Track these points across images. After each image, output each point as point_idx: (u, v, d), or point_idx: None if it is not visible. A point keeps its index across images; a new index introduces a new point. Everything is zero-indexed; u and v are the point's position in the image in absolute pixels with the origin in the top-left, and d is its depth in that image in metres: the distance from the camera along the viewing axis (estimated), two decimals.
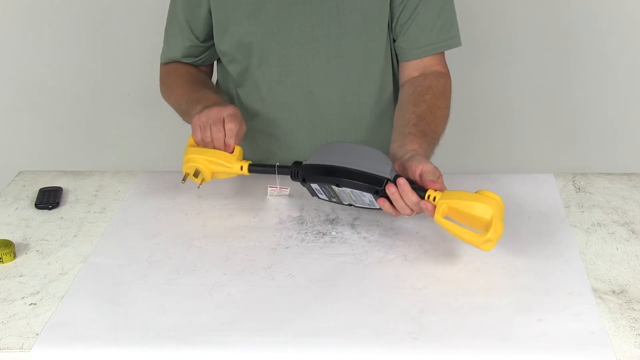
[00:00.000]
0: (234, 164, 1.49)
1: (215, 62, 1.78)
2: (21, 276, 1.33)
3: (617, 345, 1.13)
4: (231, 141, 1.49)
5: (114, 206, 1.55)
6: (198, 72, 1.73)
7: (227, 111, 1.50)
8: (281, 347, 1.15)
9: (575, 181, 1.60)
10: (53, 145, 2.69)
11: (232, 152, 1.49)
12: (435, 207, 1.32)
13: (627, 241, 1.39)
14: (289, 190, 1.53)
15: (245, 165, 1.49)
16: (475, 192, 1.32)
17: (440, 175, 1.36)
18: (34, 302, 1.26)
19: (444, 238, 1.38)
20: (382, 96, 1.68)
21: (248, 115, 1.71)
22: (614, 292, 1.25)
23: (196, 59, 1.73)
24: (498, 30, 2.51)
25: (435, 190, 1.33)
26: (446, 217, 1.32)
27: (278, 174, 1.49)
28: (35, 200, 1.57)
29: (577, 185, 1.58)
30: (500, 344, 1.14)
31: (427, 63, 1.65)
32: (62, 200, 1.57)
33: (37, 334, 1.18)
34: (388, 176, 1.35)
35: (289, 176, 1.46)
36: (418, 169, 1.36)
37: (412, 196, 1.33)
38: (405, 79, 1.66)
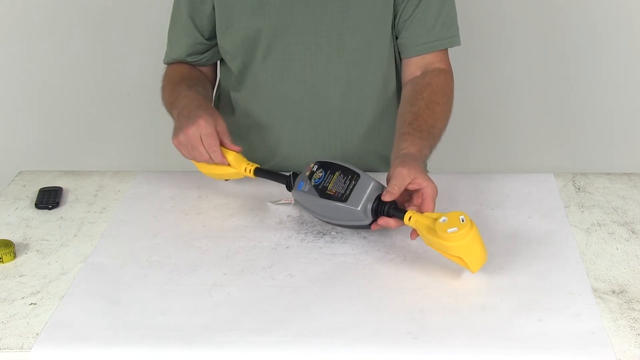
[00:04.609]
0: (238, 171, 1.51)
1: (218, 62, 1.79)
2: (21, 276, 1.33)
3: (617, 345, 1.13)
4: (220, 159, 1.50)
5: (114, 206, 1.55)
6: (189, 71, 1.72)
7: (201, 130, 1.48)
8: (281, 347, 1.15)
9: (575, 181, 1.60)
10: (53, 145, 2.69)
11: (228, 164, 1.50)
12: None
13: (627, 241, 1.39)
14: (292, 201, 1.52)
15: (251, 168, 1.50)
16: (438, 229, 1.26)
17: (415, 178, 1.35)
18: (34, 302, 1.26)
19: None
20: (384, 92, 1.68)
21: (248, 111, 1.71)
22: (614, 292, 1.25)
23: (200, 57, 1.73)
24: (498, 30, 2.51)
25: (410, 219, 1.31)
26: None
27: (278, 181, 1.49)
28: (35, 200, 1.57)
29: (577, 185, 1.58)
30: (500, 344, 1.14)
31: (428, 60, 1.65)
32: (62, 200, 1.57)
33: (37, 334, 1.18)
34: (366, 221, 1.36)
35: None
36: (390, 174, 1.38)
37: (397, 225, 1.35)
38: (408, 78, 1.66)
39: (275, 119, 1.69)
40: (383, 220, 1.35)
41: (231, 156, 1.50)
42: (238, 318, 1.21)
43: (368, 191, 1.36)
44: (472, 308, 1.21)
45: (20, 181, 1.66)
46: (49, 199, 1.56)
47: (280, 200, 1.52)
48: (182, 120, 1.51)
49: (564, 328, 1.16)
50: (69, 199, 1.58)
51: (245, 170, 1.50)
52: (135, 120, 2.66)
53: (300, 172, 1.43)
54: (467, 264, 1.27)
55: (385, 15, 1.62)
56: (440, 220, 1.26)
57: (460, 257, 1.27)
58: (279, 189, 1.57)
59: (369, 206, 1.35)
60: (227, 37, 1.66)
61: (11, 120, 2.68)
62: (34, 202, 1.56)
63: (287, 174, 1.47)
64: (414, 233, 1.35)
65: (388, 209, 1.34)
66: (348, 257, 1.36)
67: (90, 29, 2.56)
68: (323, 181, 1.39)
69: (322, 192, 1.38)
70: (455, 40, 1.66)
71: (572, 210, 1.49)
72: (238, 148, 1.52)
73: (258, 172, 1.50)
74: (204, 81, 1.73)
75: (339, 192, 1.37)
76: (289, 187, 1.45)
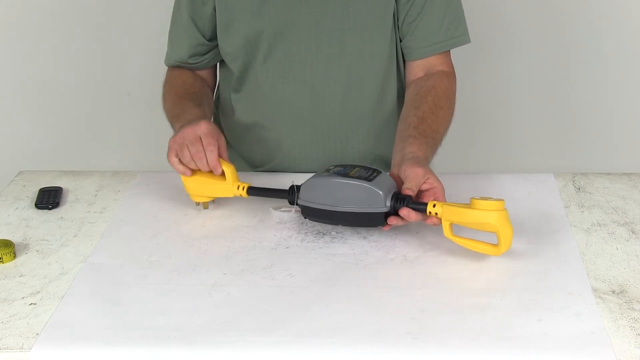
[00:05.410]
0: (230, 189, 1.47)
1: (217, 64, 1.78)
2: (21, 276, 1.33)
3: (617, 345, 1.13)
4: (215, 162, 1.45)
5: (114, 206, 1.55)
6: (193, 81, 1.71)
7: (201, 129, 1.45)
8: (281, 347, 1.15)
9: (575, 181, 1.60)
10: (53, 145, 2.69)
11: (221, 173, 1.46)
12: (440, 220, 1.34)
13: (627, 241, 1.39)
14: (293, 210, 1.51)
15: (244, 186, 1.47)
16: (474, 201, 1.31)
17: (428, 178, 1.38)
18: (34, 302, 1.26)
19: (444, 238, 1.38)
20: (384, 93, 1.67)
21: (249, 112, 1.71)
22: (614, 292, 1.25)
23: (202, 58, 1.72)
24: (498, 30, 2.51)
25: (434, 206, 1.33)
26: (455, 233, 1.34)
27: (276, 197, 1.46)
28: (35, 200, 1.57)
29: (577, 185, 1.58)
30: (500, 344, 1.14)
31: (431, 62, 1.65)
32: (62, 200, 1.57)
33: (37, 334, 1.18)
34: (385, 209, 1.36)
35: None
36: (404, 173, 1.39)
37: (417, 218, 1.36)
38: (411, 80, 1.66)
39: (275, 119, 1.69)
40: (405, 211, 1.34)
41: (229, 168, 1.46)
42: (238, 318, 1.21)
43: (389, 184, 1.38)
44: (472, 308, 1.21)
45: (20, 181, 1.66)
46: (49, 199, 1.56)
47: (282, 208, 1.50)
48: (184, 127, 1.49)
49: (564, 328, 1.16)
50: (69, 199, 1.58)
51: (239, 188, 1.46)
52: (135, 120, 2.66)
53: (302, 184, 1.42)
54: (500, 239, 1.29)
55: (386, 16, 1.62)
56: (475, 197, 1.31)
57: (495, 232, 1.29)
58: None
59: (389, 198, 1.36)
60: (227, 38, 1.66)
61: (11, 120, 2.68)
62: (34, 202, 1.56)
63: (286, 188, 1.45)
64: (432, 219, 1.35)
65: (407, 203, 1.35)
66: (348, 257, 1.36)
67: (90, 29, 2.56)
68: (345, 170, 1.40)
69: (344, 176, 1.38)
70: (463, 39, 1.65)
71: (572, 210, 1.49)
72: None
73: (251, 191, 1.46)
74: (208, 96, 1.72)
75: (362, 176, 1.38)
76: (292, 200, 1.43)
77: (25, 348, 1.16)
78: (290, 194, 1.43)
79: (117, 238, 1.44)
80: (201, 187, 1.49)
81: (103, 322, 1.20)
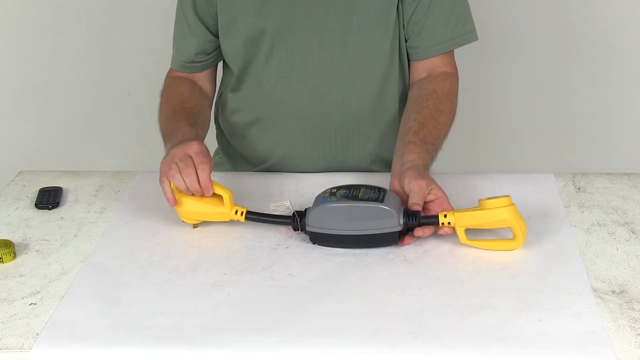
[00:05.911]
0: (227, 214, 1.42)
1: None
2: (21, 276, 1.33)
3: (617, 345, 1.13)
4: (207, 182, 1.40)
5: (114, 206, 1.55)
6: (191, 93, 1.69)
7: (192, 148, 1.42)
8: (281, 347, 1.15)
9: (575, 181, 1.60)
10: (53, 145, 2.69)
11: (211, 194, 1.41)
12: (452, 229, 1.36)
13: (627, 241, 1.39)
14: (288, 202, 1.51)
15: (243, 211, 1.42)
16: (483, 202, 1.34)
17: (432, 189, 1.39)
18: (34, 302, 1.26)
19: (444, 238, 1.38)
20: (384, 94, 1.67)
21: (249, 111, 1.71)
22: (614, 292, 1.25)
23: (208, 57, 1.71)
24: (498, 31, 2.51)
25: (446, 216, 1.34)
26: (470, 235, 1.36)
27: (278, 224, 1.43)
28: (35, 200, 1.57)
29: (577, 185, 1.58)
30: (500, 344, 1.14)
31: (435, 63, 1.65)
32: (62, 200, 1.57)
33: (37, 334, 1.18)
34: (399, 227, 1.35)
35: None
36: (409, 186, 1.40)
37: (431, 232, 1.37)
38: (414, 80, 1.66)
39: (275, 118, 1.69)
40: (420, 231, 1.36)
41: (227, 194, 1.42)
42: (238, 318, 1.21)
43: (397, 201, 1.38)
44: (472, 308, 1.21)
45: (20, 181, 1.66)
46: (49, 199, 1.56)
47: (280, 204, 1.50)
48: (175, 146, 1.46)
49: (564, 328, 1.17)
50: (69, 199, 1.58)
51: (236, 212, 1.42)
52: (135, 120, 2.66)
53: (305, 209, 1.40)
54: (516, 232, 1.33)
55: (388, 16, 1.61)
56: (482, 199, 1.35)
57: (510, 226, 1.33)
58: (278, 189, 1.57)
59: (401, 216, 1.35)
60: (229, 38, 1.66)
61: (11, 120, 2.68)
62: (34, 202, 1.56)
63: (286, 212, 1.45)
64: (444, 229, 1.36)
65: (418, 218, 1.35)
66: (348, 257, 1.35)
67: (90, 29, 2.56)
68: (351, 192, 1.38)
69: (354, 199, 1.37)
70: (470, 36, 1.65)
71: (572, 210, 1.49)
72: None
73: (250, 216, 1.42)
74: (204, 111, 1.69)
75: (371, 197, 1.36)
76: (297, 227, 1.40)
77: (25, 348, 1.16)
78: (294, 221, 1.40)
79: (117, 238, 1.44)
80: (195, 210, 1.44)
81: (103, 322, 1.20)
